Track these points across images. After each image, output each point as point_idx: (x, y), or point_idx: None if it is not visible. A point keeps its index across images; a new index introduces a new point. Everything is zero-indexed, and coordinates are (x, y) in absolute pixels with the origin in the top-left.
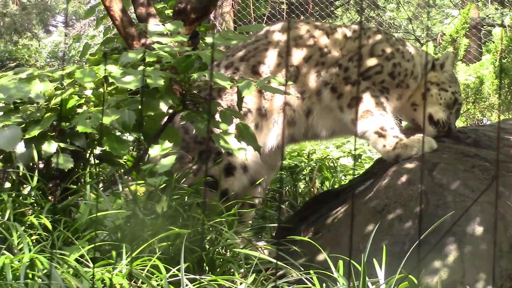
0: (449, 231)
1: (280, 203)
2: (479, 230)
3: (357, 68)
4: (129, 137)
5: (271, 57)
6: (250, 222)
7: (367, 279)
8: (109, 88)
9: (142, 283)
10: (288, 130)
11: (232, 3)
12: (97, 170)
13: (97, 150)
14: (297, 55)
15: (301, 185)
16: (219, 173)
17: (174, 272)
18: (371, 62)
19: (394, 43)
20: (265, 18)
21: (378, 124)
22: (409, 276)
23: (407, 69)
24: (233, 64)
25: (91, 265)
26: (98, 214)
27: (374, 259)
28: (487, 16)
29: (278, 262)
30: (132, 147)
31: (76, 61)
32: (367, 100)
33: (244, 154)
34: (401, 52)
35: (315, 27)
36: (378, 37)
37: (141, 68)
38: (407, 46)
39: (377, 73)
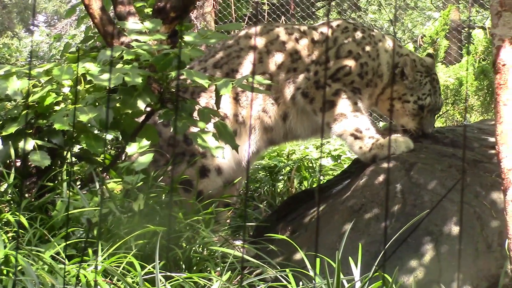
0: (418, 228)
1: (246, 203)
2: (455, 229)
3: (325, 71)
4: (108, 136)
5: (244, 64)
6: (228, 221)
7: (342, 276)
8: (87, 86)
9: (118, 280)
10: (266, 135)
11: (213, 3)
12: (75, 168)
13: (76, 148)
14: (269, 62)
15: (280, 185)
16: (196, 174)
17: (149, 269)
18: (339, 63)
19: (360, 42)
20: (247, 18)
21: (353, 126)
22: (384, 274)
23: (373, 68)
24: (206, 70)
25: (66, 262)
26: (74, 211)
27: (350, 258)
28: (468, 18)
29: (254, 260)
30: (110, 146)
31: (56, 61)
32: (340, 102)
33: (222, 153)
34: (367, 51)
35: (286, 32)
36: (344, 37)
37: (119, 66)
38: (373, 44)
39: (346, 74)
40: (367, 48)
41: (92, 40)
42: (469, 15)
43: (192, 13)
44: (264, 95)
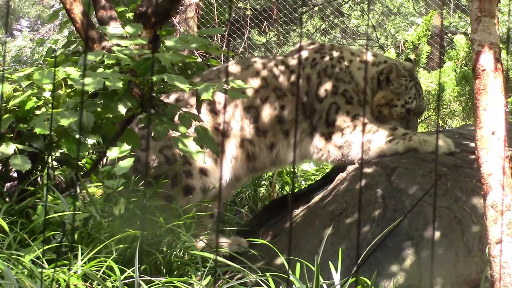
0: (399, 233)
1: (219, 210)
2: (436, 234)
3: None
4: (89, 140)
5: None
6: (210, 225)
7: (322, 280)
8: (68, 90)
9: (97, 284)
10: (247, 163)
11: (196, 9)
12: (56, 172)
13: (57, 152)
14: (255, 97)
15: (262, 189)
16: (179, 192)
17: (129, 273)
18: (325, 105)
19: (332, 73)
20: (229, 24)
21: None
22: (363, 278)
23: (354, 89)
24: (184, 98)
25: (46, 266)
26: (54, 215)
27: (330, 262)
28: (451, 24)
29: (234, 265)
30: (92, 150)
31: (39, 65)
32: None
33: (203, 158)
34: (341, 79)
35: (266, 66)
36: (315, 72)
37: (100, 70)
38: (345, 68)
39: (336, 110)
40: (340, 76)
41: (75, 45)
42: (442, 21)
43: (175, 18)
44: (251, 126)
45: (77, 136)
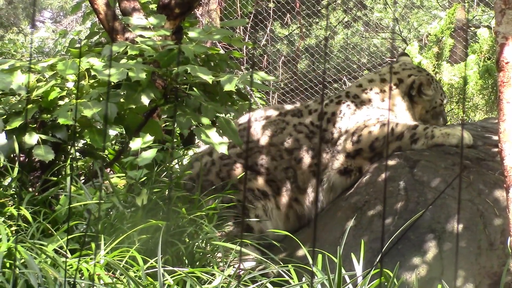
0: (421, 226)
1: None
2: (458, 227)
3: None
4: (111, 131)
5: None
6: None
7: (344, 272)
8: (91, 81)
9: (120, 274)
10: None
11: (219, 1)
12: (79, 163)
13: (80, 143)
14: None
15: None
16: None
17: (152, 263)
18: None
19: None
20: (252, 16)
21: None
22: (386, 270)
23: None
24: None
25: (69, 255)
26: (77, 204)
27: (352, 254)
28: (474, 17)
29: (257, 256)
30: (114, 141)
31: (62, 56)
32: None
33: (225, 149)
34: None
35: (297, 130)
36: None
37: (123, 61)
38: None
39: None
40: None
41: (97, 36)
42: (467, 14)
43: (198, 10)
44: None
45: (101, 127)
